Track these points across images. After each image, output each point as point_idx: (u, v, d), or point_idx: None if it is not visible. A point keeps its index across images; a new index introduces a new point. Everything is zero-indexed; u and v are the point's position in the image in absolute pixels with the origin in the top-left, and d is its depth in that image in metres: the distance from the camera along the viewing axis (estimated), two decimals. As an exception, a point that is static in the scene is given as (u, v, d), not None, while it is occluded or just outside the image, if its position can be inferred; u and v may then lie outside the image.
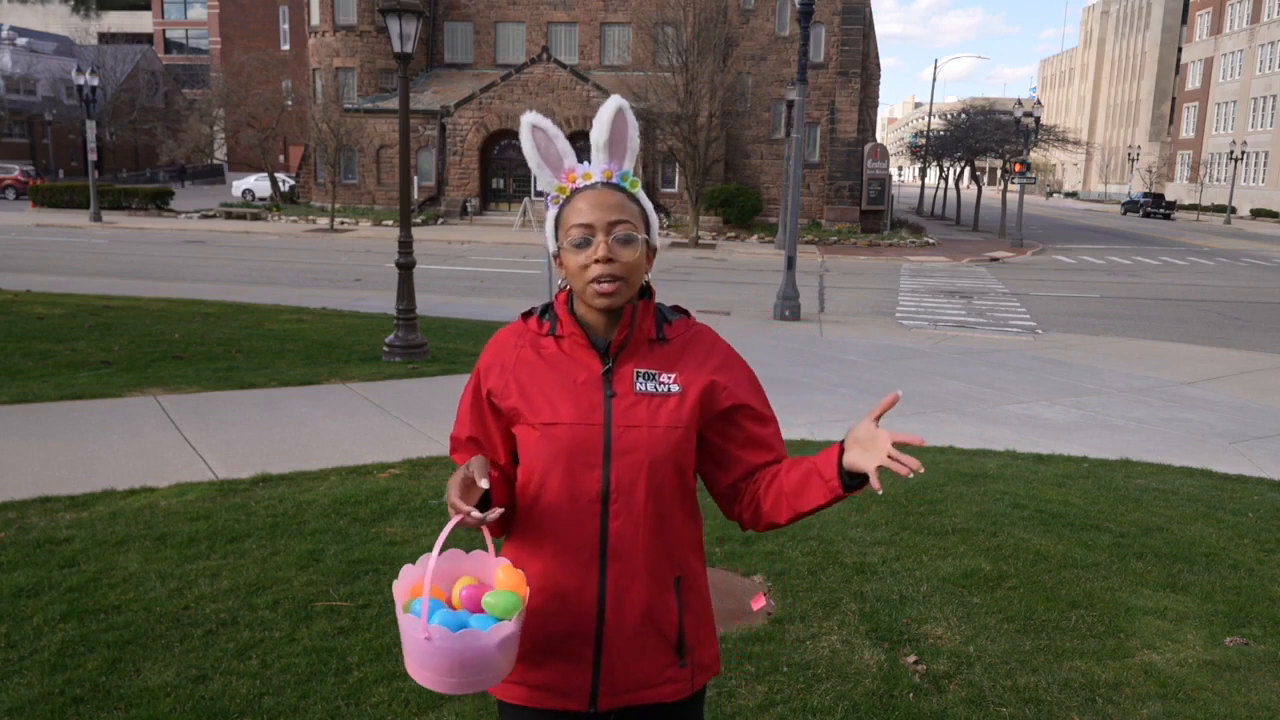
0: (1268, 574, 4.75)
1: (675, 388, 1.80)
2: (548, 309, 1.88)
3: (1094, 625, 4.09)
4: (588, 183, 1.81)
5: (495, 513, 1.67)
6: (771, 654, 3.70)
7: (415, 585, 1.69)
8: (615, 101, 1.82)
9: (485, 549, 1.79)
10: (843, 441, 1.75)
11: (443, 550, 1.66)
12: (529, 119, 1.83)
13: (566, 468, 1.76)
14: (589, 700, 1.80)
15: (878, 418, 1.70)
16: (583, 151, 1.84)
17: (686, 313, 1.94)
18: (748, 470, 1.87)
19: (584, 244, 1.75)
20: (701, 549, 1.94)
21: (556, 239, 1.83)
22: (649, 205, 1.85)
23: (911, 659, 3.73)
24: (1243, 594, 4.47)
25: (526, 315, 1.90)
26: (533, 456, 1.80)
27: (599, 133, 1.81)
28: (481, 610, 1.66)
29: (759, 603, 4.10)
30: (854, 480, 1.72)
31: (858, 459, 1.69)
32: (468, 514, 1.64)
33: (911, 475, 1.63)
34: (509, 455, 1.89)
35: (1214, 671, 3.72)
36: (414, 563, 1.74)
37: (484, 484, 1.67)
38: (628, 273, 1.75)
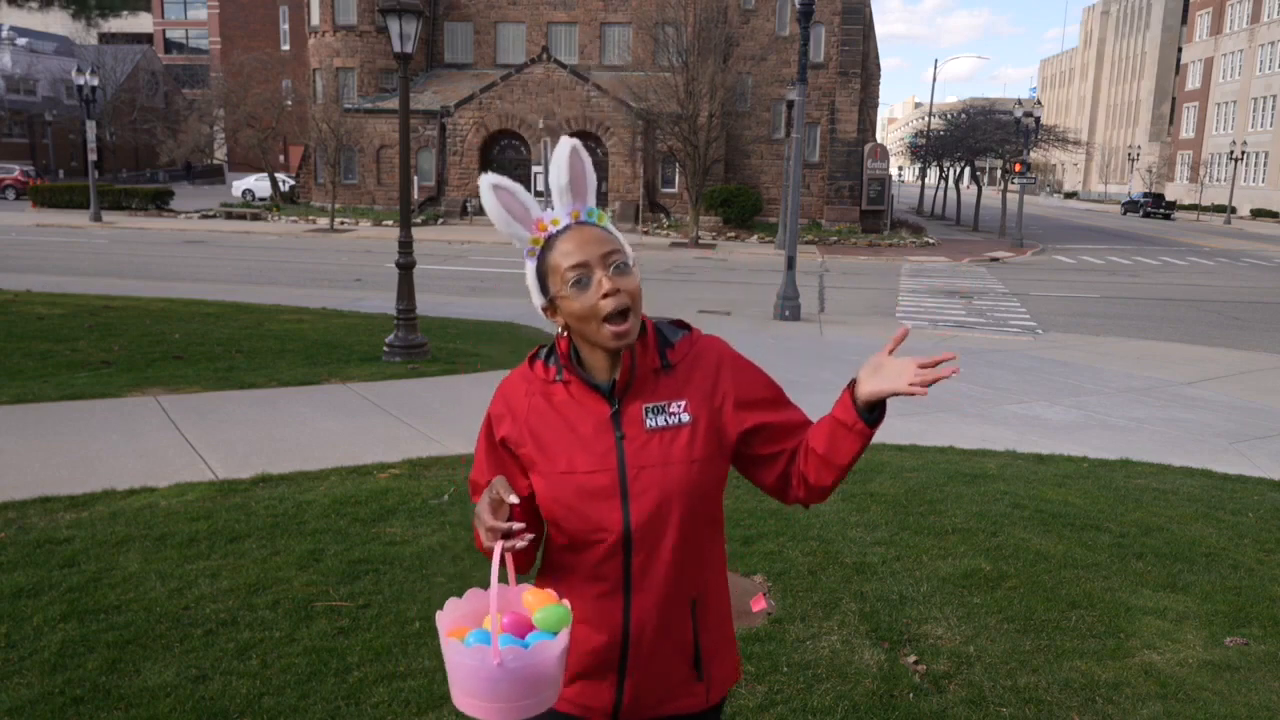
0: (1268, 574, 4.75)
1: (686, 417, 1.79)
2: (551, 352, 1.86)
3: (1094, 625, 4.09)
4: (557, 228, 1.77)
5: (529, 536, 1.68)
6: (771, 654, 3.71)
7: (455, 629, 1.68)
8: (568, 142, 1.79)
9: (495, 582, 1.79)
10: (852, 382, 1.78)
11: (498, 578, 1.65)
12: (488, 180, 1.79)
13: (586, 513, 1.76)
14: (610, 717, 1.85)
15: (890, 352, 1.74)
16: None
17: (688, 327, 1.91)
18: (788, 459, 1.87)
19: (584, 283, 1.72)
20: (723, 566, 1.95)
21: (544, 291, 1.79)
22: (622, 239, 1.82)
23: (911, 659, 3.73)
24: (1243, 594, 4.47)
25: (532, 360, 1.88)
26: (552, 502, 1.79)
27: (558, 175, 1.78)
28: (533, 629, 1.66)
29: (759, 604, 4.10)
30: (874, 414, 1.76)
31: (877, 386, 1.73)
32: (509, 529, 1.64)
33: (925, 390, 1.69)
34: (531, 490, 1.87)
35: (1214, 671, 3.72)
36: (441, 608, 1.74)
37: (513, 499, 1.67)
38: (634, 301, 1.73)
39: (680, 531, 1.78)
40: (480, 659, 1.58)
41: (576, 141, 1.81)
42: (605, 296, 1.71)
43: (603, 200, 33.08)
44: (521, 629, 1.66)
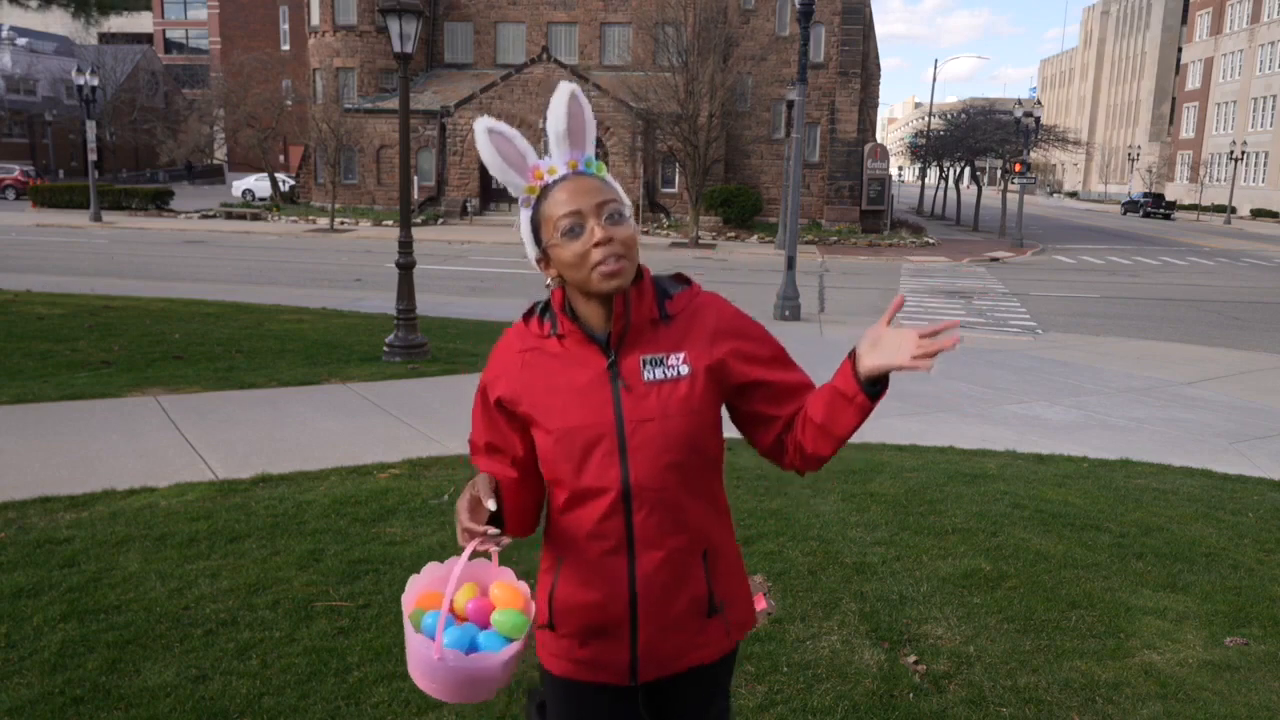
0: (1268, 574, 4.75)
1: (684, 369, 1.75)
2: (546, 307, 1.83)
3: (1094, 625, 4.09)
4: (554, 177, 1.74)
5: (506, 540, 1.68)
6: (771, 654, 3.71)
7: (421, 596, 1.70)
8: (567, 87, 1.75)
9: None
10: (853, 351, 1.73)
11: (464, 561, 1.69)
12: (483, 124, 1.76)
13: (584, 468, 1.74)
14: (629, 674, 1.83)
15: (888, 321, 1.70)
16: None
17: (689, 281, 1.88)
18: (785, 423, 1.84)
19: (576, 232, 1.69)
20: (727, 515, 1.93)
21: (538, 242, 1.76)
22: (620, 189, 1.80)
23: (911, 659, 3.72)
24: (1243, 594, 4.47)
25: (527, 316, 1.85)
26: (552, 457, 1.78)
27: (556, 122, 1.74)
28: (489, 626, 1.68)
29: (760, 604, 4.10)
30: (876, 387, 1.70)
31: (877, 361, 1.68)
32: (484, 533, 1.64)
33: (932, 367, 1.61)
34: (529, 450, 1.86)
35: (1214, 671, 3.72)
36: (418, 572, 1.77)
37: (491, 505, 1.68)
38: (627, 250, 1.70)
39: (680, 485, 1.75)
40: (425, 647, 1.62)
41: (576, 87, 1.76)
42: (597, 245, 1.67)
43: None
44: (483, 617, 1.69)
